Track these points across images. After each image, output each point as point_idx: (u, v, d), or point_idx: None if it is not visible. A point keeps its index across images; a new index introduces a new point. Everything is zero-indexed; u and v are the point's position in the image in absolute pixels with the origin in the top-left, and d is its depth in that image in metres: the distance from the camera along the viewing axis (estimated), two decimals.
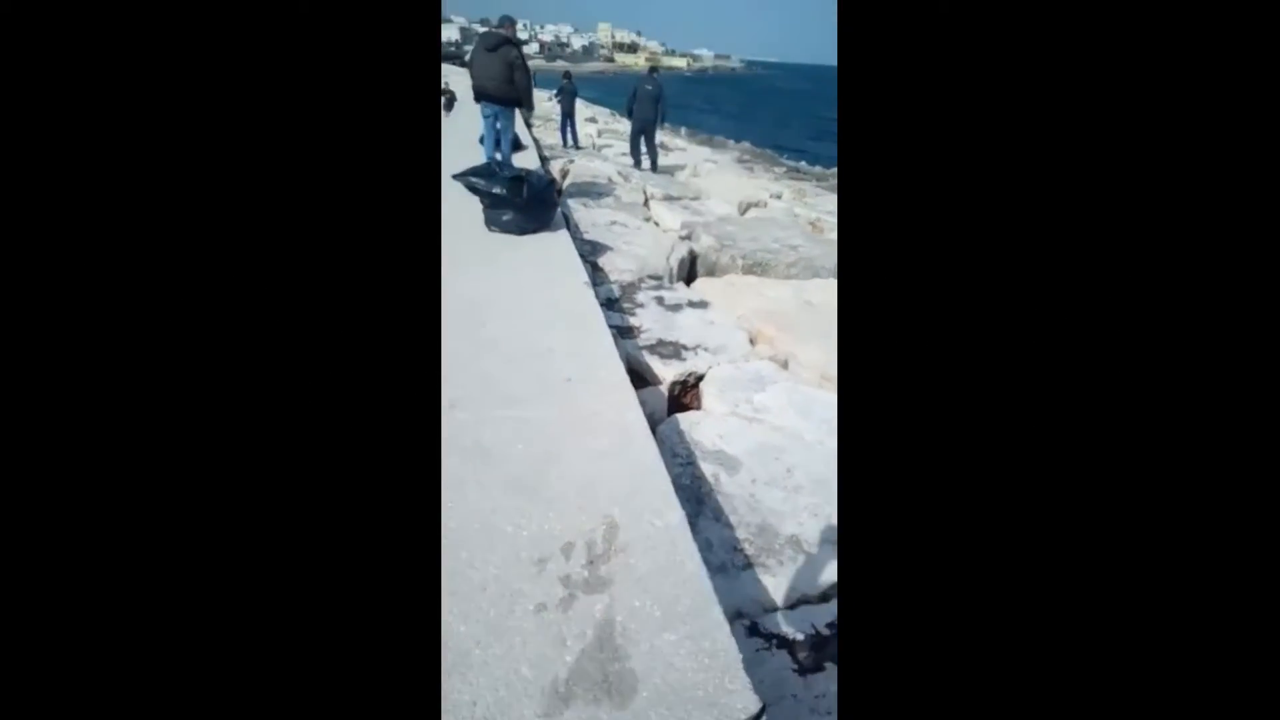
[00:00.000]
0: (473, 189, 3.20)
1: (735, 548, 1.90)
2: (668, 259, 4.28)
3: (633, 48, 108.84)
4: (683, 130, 19.68)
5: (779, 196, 7.64)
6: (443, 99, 12.24)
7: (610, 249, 4.20)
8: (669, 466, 1.86)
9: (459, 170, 3.31)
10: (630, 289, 3.71)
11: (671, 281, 4.16)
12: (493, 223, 3.35)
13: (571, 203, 5.34)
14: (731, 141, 20.94)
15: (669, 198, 6.10)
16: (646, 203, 5.88)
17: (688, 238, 5.17)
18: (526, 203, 3.19)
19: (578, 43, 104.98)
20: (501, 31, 4.61)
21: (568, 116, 8.82)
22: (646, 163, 7.60)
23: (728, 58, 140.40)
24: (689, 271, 4.57)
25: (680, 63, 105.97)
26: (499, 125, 4.91)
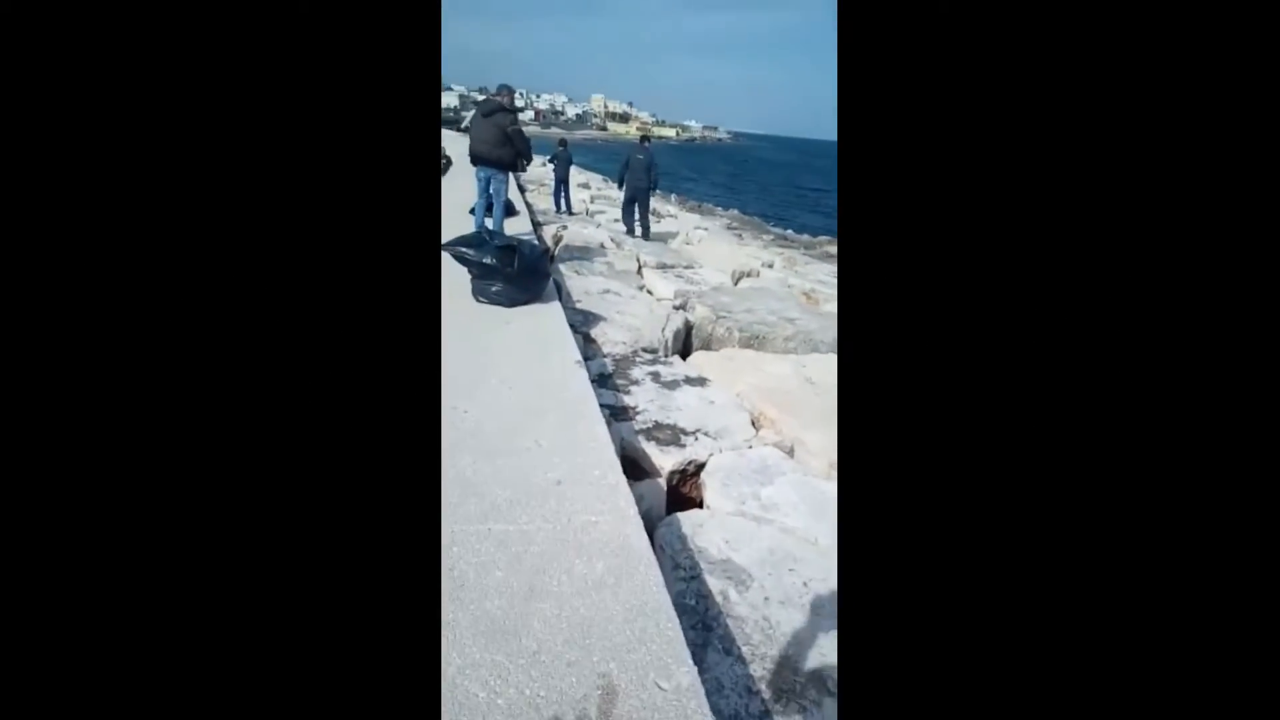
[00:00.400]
0: (461, 259, 3.05)
1: (750, 689, 1.61)
2: (663, 330, 4.12)
3: (624, 117, 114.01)
4: (673, 197, 20.23)
5: (771, 265, 7.65)
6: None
7: (603, 319, 4.04)
8: (670, 582, 1.60)
9: (447, 239, 3.16)
10: (625, 363, 3.52)
11: (667, 354, 3.99)
12: (481, 294, 3.18)
13: (564, 269, 5.23)
14: (720, 209, 21.49)
15: (662, 265, 6.03)
16: (640, 270, 5.79)
17: (682, 307, 5.04)
18: (518, 273, 3.03)
19: (572, 111, 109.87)
20: (498, 99, 4.67)
21: (562, 183, 8.91)
22: (639, 230, 7.62)
23: (715, 129, 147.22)
24: (684, 343, 4.41)
25: (670, 132, 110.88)
26: (492, 189, 4.88)
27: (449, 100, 79.28)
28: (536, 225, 6.83)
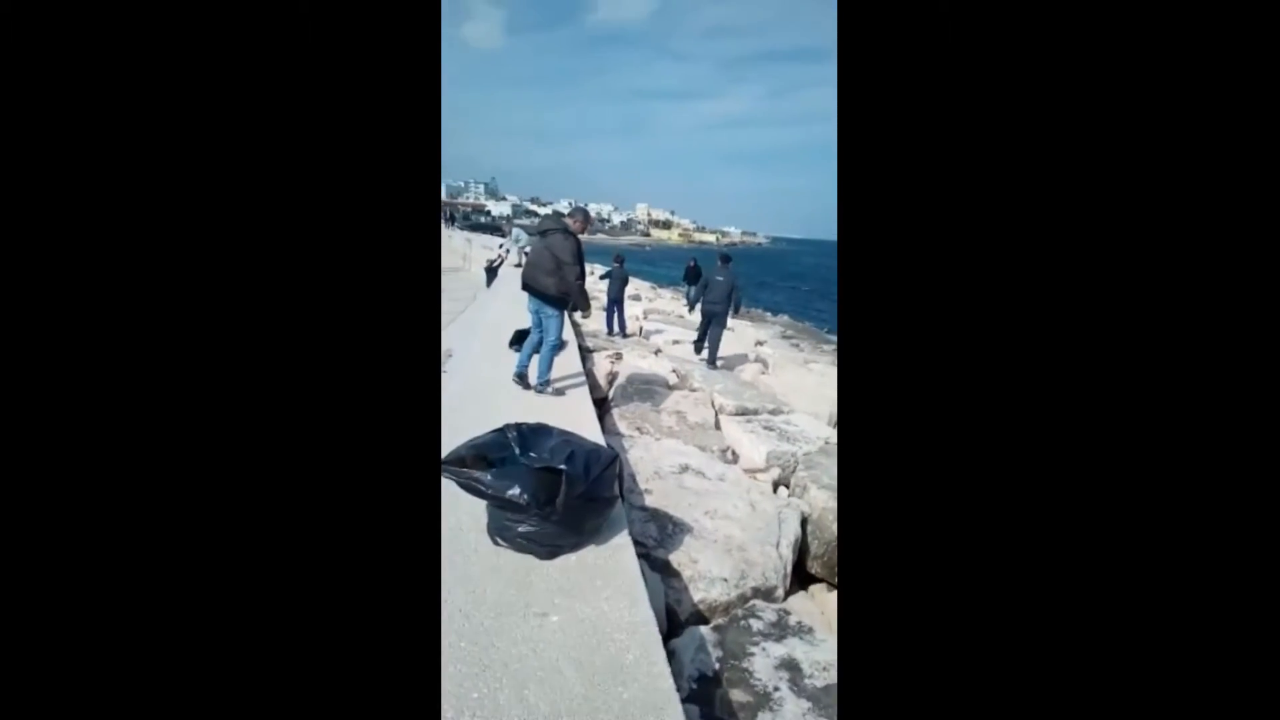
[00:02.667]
0: (473, 489, 1.77)
1: None
2: (777, 547, 2.72)
3: (667, 224, 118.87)
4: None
5: None
6: (485, 266, 12.00)
7: (686, 529, 2.68)
8: None
9: (455, 446, 1.90)
10: (732, 630, 2.11)
11: (785, 586, 2.57)
12: (501, 535, 1.87)
13: (622, 422, 3.96)
14: (769, 314, 20.48)
15: (744, 411, 4.71)
16: (717, 421, 4.48)
17: (786, 484, 3.66)
18: (563, 512, 1.73)
19: (617, 219, 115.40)
20: (565, 220, 3.73)
21: (615, 303, 7.97)
22: (707, 353, 6.52)
23: (754, 234, 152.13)
24: (799, 549, 2.98)
25: (710, 238, 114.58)
26: (543, 325, 3.81)
27: (501, 209, 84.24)
28: (585, 354, 5.70)
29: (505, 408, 3.46)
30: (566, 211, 4.02)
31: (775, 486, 3.72)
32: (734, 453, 4.02)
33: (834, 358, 12.89)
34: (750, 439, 4.11)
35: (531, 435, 1.97)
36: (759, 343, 10.54)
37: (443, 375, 4.09)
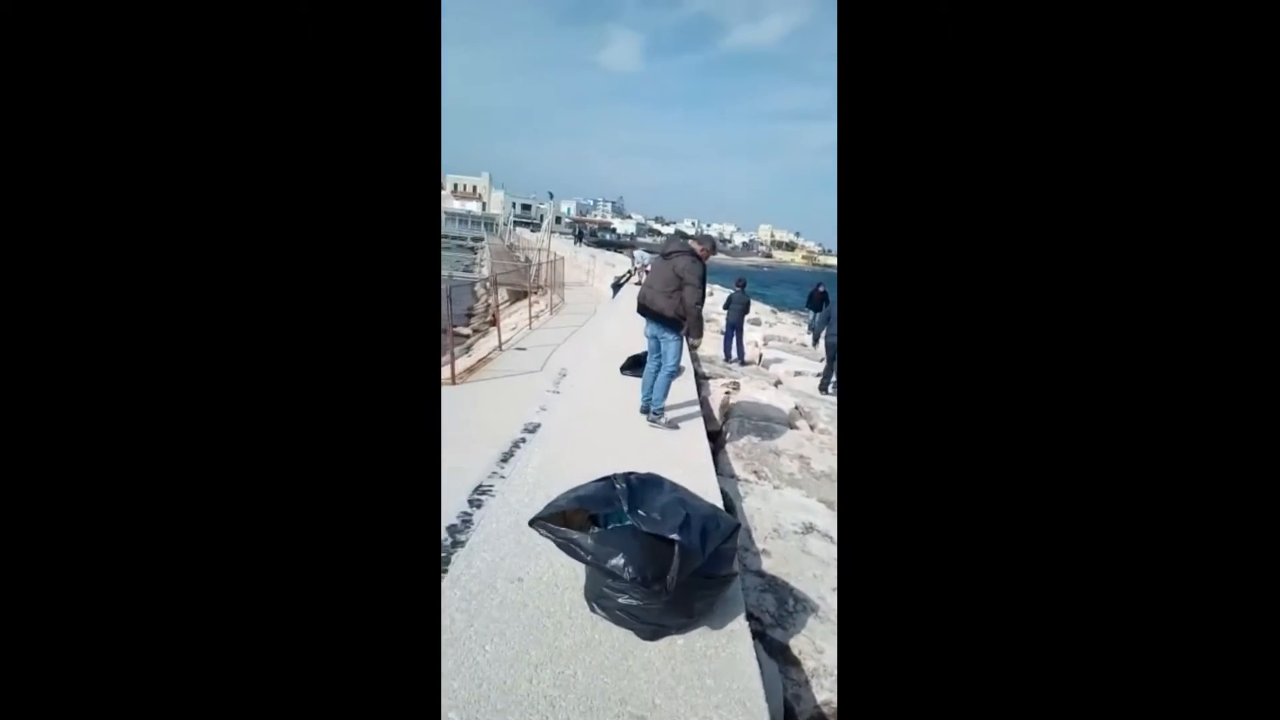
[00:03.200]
0: (571, 551, 1.55)
1: None
2: None
3: (790, 246, 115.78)
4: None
5: None
6: (612, 282, 12.19)
7: (810, 607, 2.28)
8: None
9: (566, 496, 1.69)
10: None
11: None
12: (599, 602, 1.62)
13: (737, 465, 3.62)
14: None
15: None
16: None
17: None
18: (674, 590, 1.45)
19: (739, 239, 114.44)
20: (690, 243, 3.48)
21: (734, 328, 7.62)
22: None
23: None
24: None
25: (835, 261, 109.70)
26: (661, 348, 3.55)
27: (626, 227, 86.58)
28: (700, 381, 5.42)
29: (613, 439, 3.27)
30: (691, 233, 3.81)
31: None
32: None
33: None
34: None
35: (641, 488, 1.71)
36: None
37: (555, 396, 4.01)
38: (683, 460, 3.05)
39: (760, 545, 2.70)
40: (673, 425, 3.65)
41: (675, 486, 1.82)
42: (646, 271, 12.31)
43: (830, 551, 2.74)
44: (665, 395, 3.65)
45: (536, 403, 3.81)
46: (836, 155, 0.74)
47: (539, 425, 3.32)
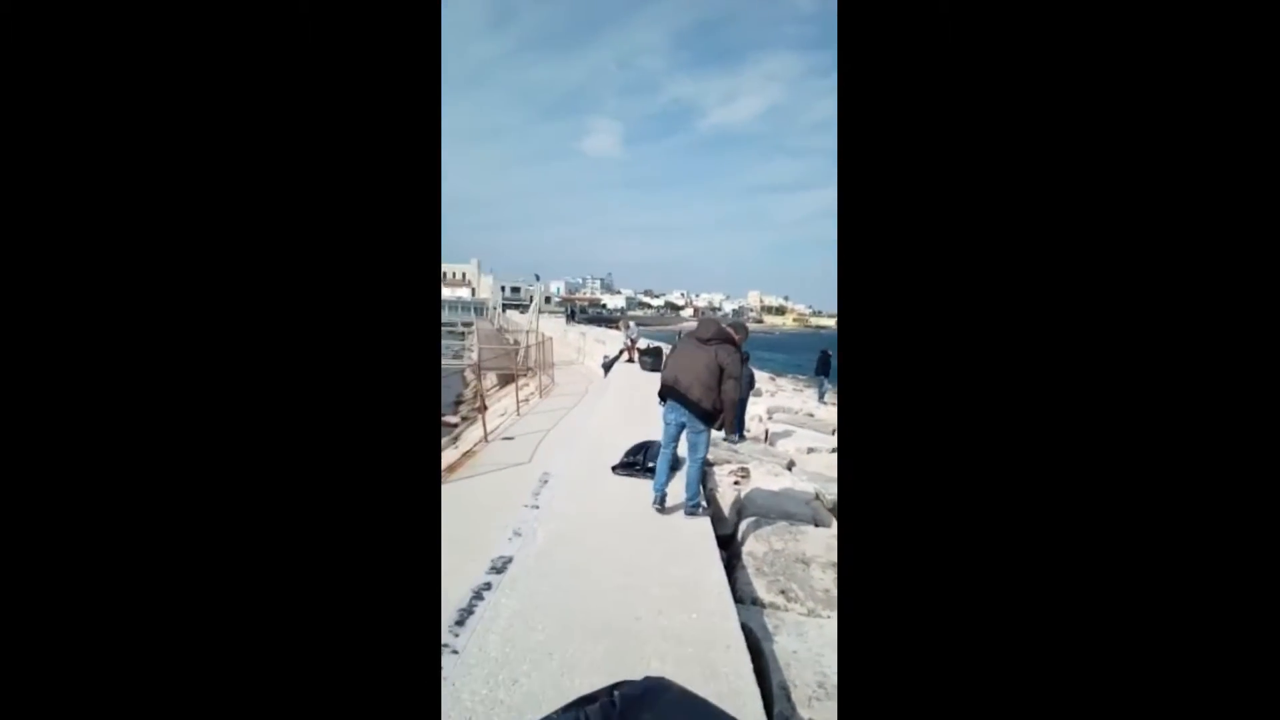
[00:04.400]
0: None
1: None
2: None
3: (780, 310, 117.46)
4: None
5: None
6: (603, 362, 11.73)
7: None
8: None
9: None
10: None
11: None
12: None
13: (759, 585, 2.95)
14: None
15: None
16: None
17: None
18: None
19: (729, 307, 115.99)
20: (726, 328, 3.30)
21: (741, 404, 7.09)
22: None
23: None
24: None
25: (829, 321, 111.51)
26: (689, 440, 3.31)
27: (615, 302, 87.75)
28: (705, 470, 4.79)
29: (601, 562, 2.62)
30: (719, 313, 3.59)
31: None
32: None
33: None
34: None
35: (633, 712, 1.10)
36: None
37: (533, 512, 3.38)
38: (694, 582, 2.41)
39: (805, 713, 2.03)
40: (706, 511, 3.43)
41: (686, 695, 1.20)
42: (639, 349, 11.97)
43: None
44: (699, 487, 3.40)
45: (511, 523, 3.17)
46: (836, 158, 0.74)
47: (509, 561, 2.65)
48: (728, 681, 1.78)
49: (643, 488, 3.65)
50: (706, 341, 3.18)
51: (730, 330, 3.28)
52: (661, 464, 3.39)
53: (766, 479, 4.79)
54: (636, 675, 1.25)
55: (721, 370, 3.11)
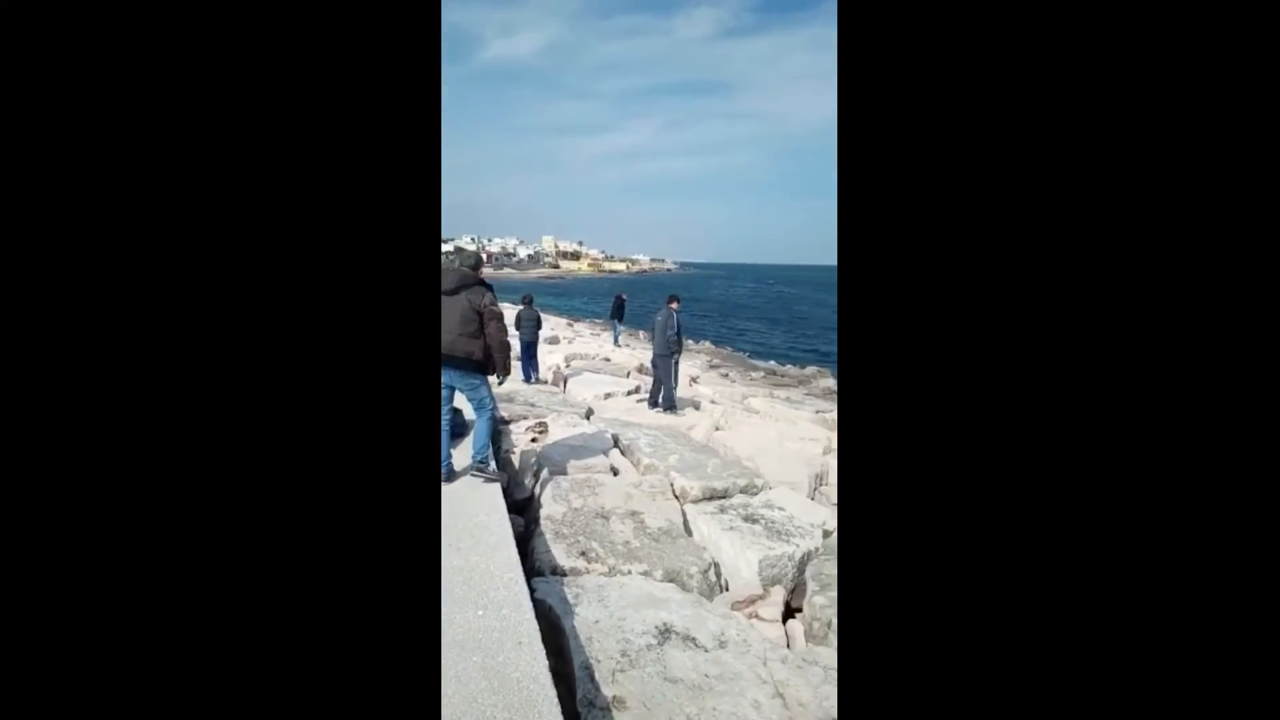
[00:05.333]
0: None
1: None
2: None
3: (576, 255, 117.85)
4: (640, 334, 18.28)
5: (829, 450, 5.38)
6: None
7: None
8: None
9: None
10: None
11: None
12: None
13: (558, 550, 2.75)
14: (692, 342, 19.78)
15: (713, 495, 3.65)
16: (685, 519, 3.37)
17: (793, 612, 2.61)
18: None
19: (524, 252, 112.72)
20: (466, 270, 3.00)
21: (529, 348, 6.74)
22: (663, 405, 5.66)
23: (663, 260, 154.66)
24: None
25: (620, 266, 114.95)
26: (471, 399, 3.06)
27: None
28: (500, 430, 4.44)
29: None
30: (461, 261, 3.06)
31: (784, 616, 2.67)
32: (716, 569, 2.93)
33: (766, 385, 12.28)
34: (733, 543, 3.05)
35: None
36: (693, 380, 9.63)
37: None
38: (480, 583, 2.10)
39: (609, 691, 1.89)
40: (498, 476, 3.13)
41: None
42: None
43: (698, 662, 2.04)
44: (488, 443, 3.10)
45: None
46: (837, 156, 0.73)
47: None
48: (520, 689, 1.54)
49: None
50: (454, 292, 2.92)
51: (471, 272, 3.01)
52: (445, 436, 3.03)
53: (565, 430, 4.62)
54: None
55: (480, 315, 2.92)
